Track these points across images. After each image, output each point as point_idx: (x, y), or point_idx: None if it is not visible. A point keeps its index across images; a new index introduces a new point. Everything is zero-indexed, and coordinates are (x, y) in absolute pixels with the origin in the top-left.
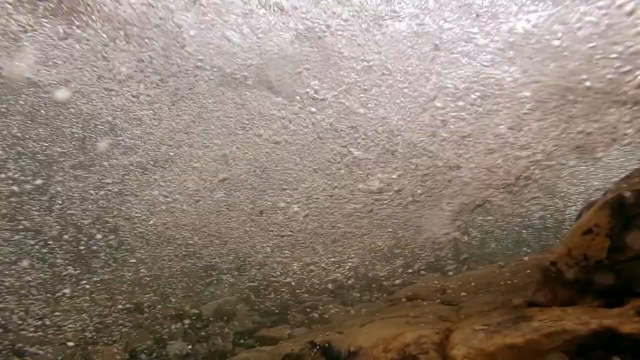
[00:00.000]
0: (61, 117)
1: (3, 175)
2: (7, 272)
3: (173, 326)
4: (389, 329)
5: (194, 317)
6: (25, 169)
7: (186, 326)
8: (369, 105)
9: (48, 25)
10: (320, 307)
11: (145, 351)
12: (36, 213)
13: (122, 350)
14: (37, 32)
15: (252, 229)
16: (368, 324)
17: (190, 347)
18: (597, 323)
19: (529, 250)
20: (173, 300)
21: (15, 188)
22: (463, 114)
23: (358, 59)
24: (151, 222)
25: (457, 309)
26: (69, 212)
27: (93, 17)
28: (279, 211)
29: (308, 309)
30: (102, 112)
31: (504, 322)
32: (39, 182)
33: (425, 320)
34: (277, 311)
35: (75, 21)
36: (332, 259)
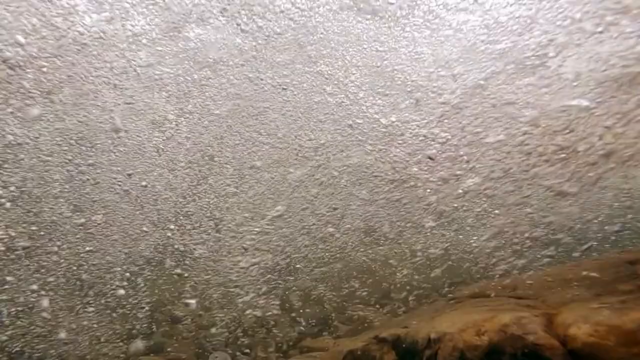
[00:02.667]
0: None
1: None
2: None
3: (215, 336)
4: (475, 315)
5: (235, 327)
6: None
7: (228, 336)
8: None
9: None
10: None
11: None
12: None
13: None
14: None
15: None
16: (439, 316)
17: (232, 358)
18: None
19: None
20: (214, 310)
21: None
22: None
23: None
24: None
25: (540, 301)
26: None
27: None
28: None
29: (355, 318)
30: None
31: (632, 300)
32: None
33: (509, 308)
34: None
35: None
36: None
